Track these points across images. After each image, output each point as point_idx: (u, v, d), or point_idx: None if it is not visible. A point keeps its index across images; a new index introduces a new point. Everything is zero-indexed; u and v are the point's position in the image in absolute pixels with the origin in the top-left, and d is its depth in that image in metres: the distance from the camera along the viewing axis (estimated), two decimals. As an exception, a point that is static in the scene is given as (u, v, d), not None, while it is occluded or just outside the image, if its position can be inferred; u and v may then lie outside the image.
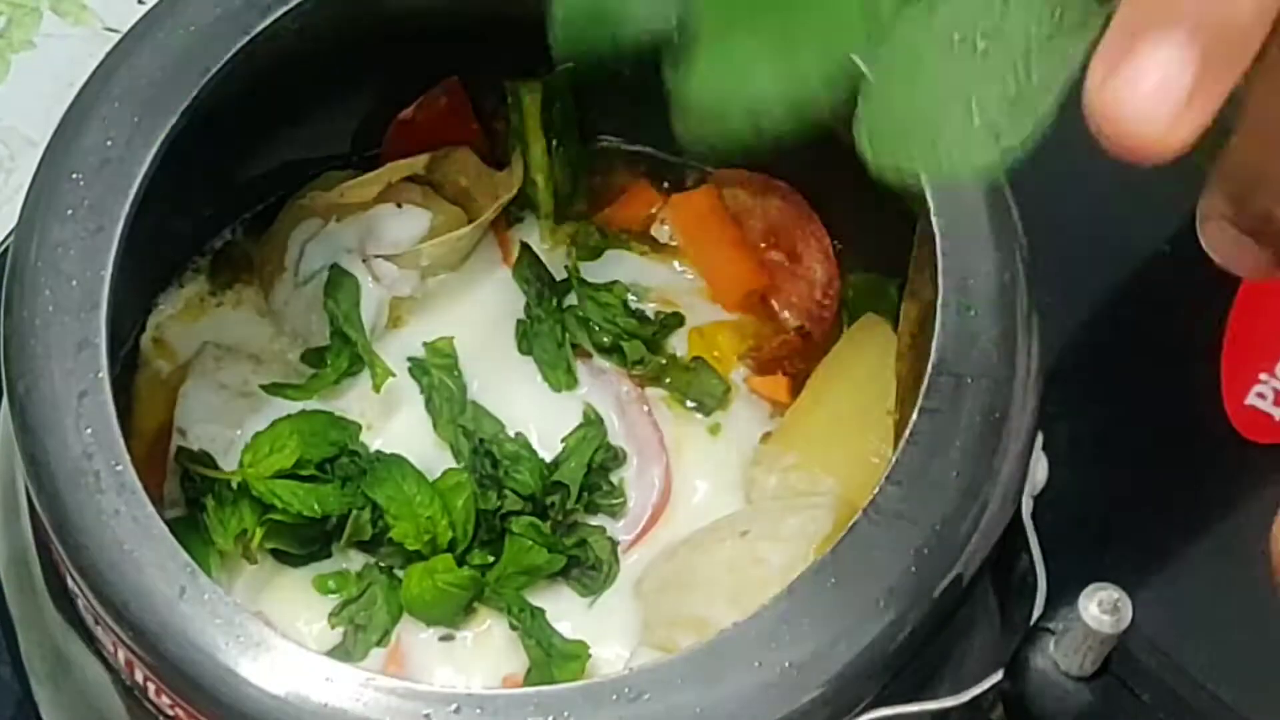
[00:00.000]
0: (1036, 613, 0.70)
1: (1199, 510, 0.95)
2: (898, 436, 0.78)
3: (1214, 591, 0.93)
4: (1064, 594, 0.69)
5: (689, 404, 0.86)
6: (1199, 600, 0.93)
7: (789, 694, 0.67)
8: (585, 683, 0.70)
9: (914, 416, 0.72)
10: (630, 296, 0.88)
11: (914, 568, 0.69)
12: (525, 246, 0.88)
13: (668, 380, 0.86)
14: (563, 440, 0.84)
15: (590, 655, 0.79)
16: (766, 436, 0.85)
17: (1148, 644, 0.69)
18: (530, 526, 0.81)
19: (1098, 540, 0.93)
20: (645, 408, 0.86)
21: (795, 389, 0.86)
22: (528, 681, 0.78)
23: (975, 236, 0.75)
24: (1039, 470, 0.74)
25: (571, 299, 0.88)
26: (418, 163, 0.89)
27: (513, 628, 0.80)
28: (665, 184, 0.92)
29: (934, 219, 0.75)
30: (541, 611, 0.80)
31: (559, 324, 0.86)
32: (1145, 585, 0.92)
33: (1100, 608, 0.66)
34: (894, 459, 0.71)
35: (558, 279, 0.88)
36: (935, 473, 0.71)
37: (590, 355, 0.87)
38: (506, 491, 0.81)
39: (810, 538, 0.78)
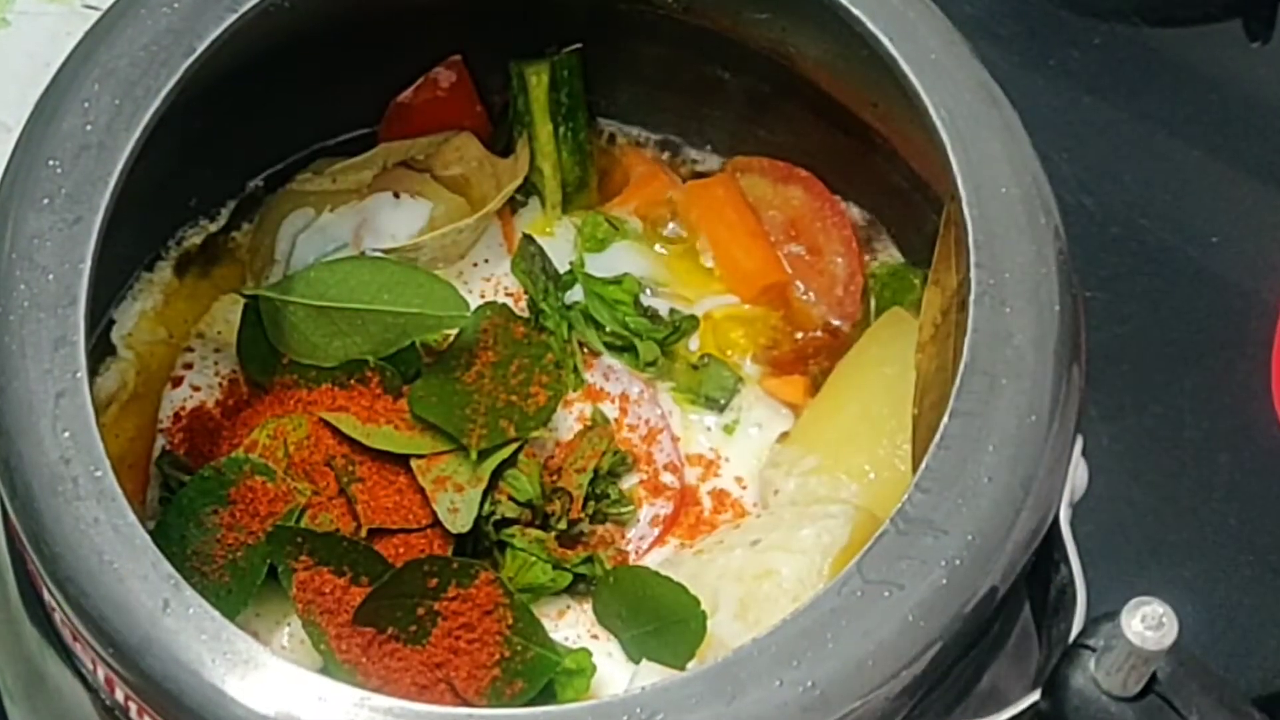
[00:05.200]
0: (1076, 628, 0.70)
1: (1249, 519, 0.95)
2: (916, 434, 0.79)
3: (1265, 605, 0.93)
4: (1105, 608, 0.69)
5: (701, 401, 0.86)
6: (1249, 615, 0.93)
7: (811, 715, 0.67)
8: (594, 702, 0.70)
9: (945, 419, 0.71)
10: (641, 291, 0.88)
11: (945, 580, 0.69)
12: (527, 239, 0.88)
13: (678, 377, 0.87)
14: (567, 444, 0.84)
15: (595, 668, 0.79)
16: (784, 436, 0.85)
17: (1194, 662, 0.69)
18: (535, 543, 0.81)
19: (1141, 551, 0.93)
20: (659, 409, 0.85)
21: (814, 390, 0.86)
22: (523, 693, 0.78)
23: (1010, 228, 0.75)
24: (1079, 476, 0.74)
25: (577, 294, 0.88)
26: (415, 145, 0.89)
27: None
28: (680, 170, 0.92)
29: (966, 210, 0.75)
30: (540, 625, 0.80)
31: (564, 320, 0.86)
32: (1192, 599, 0.92)
33: (1144, 623, 0.66)
34: (924, 464, 0.71)
35: (562, 271, 0.88)
36: (967, 479, 0.71)
37: (599, 353, 0.87)
38: (500, 497, 0.81)
39: (825, 550, 0.78)
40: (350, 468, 0.80)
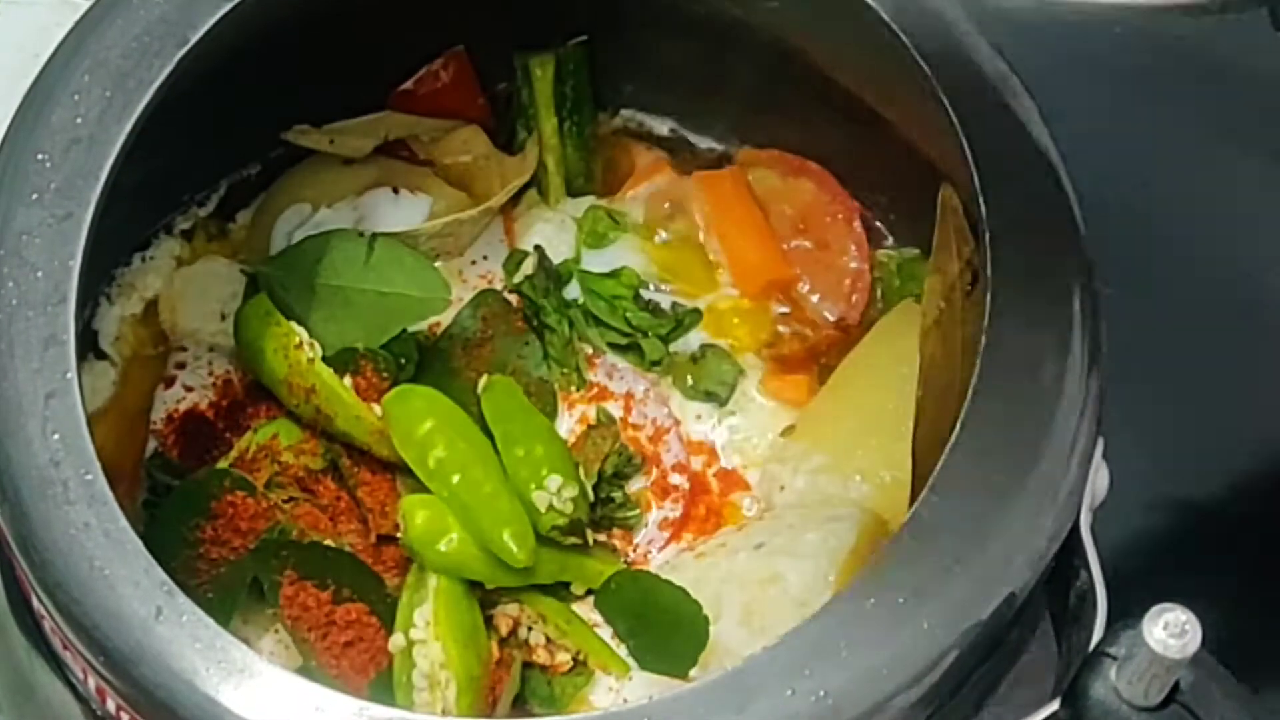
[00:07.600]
0: (1096, 636, 0.70)
1: (1274, 523, 0.95)
2: (918, 420, 0.78)
3: (1291, 612, 0.93)
4: (1127, 615, 0.69)
5: (702, 394, 0.86)
6: (1275, 622, 0.93)
7: (824, 725, 0.67)
8: (601, 712, 0.70)
9: (960, 421, 0.71)
10: (641, 285, 0.88)
11: (961, 587, 0.69)
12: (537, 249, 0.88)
13: (676, 370, 0.86)
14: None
15: (593, 672, 0.79)
16: (789, 430, 0.85)
17: (1217, 670, 0.69)
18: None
19: (1164, 556, 0.93)
20: (665, 408, 0.85)
21: (818, 388, 0.86)
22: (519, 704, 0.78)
23: (1028, 223, 0.75)
24: (1099, 480, 0.73)
25: (575, 291, 0.87)
26: (421, 124, 0.89)
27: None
28: (687, 163, 0.92)
29: (982, 205, 0.75)
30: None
31: (564, 319, 0.86)
32: (1216, 606, 0.92)
33: (1166, 630, 0.66)
34: (939, 467, 0.71)
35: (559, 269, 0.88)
36: (983, 482, 0.71)
37: (603, 352, 0.87)
38: None
39: (832, 554, 0.78)
40: (355, 470, 0.80)
